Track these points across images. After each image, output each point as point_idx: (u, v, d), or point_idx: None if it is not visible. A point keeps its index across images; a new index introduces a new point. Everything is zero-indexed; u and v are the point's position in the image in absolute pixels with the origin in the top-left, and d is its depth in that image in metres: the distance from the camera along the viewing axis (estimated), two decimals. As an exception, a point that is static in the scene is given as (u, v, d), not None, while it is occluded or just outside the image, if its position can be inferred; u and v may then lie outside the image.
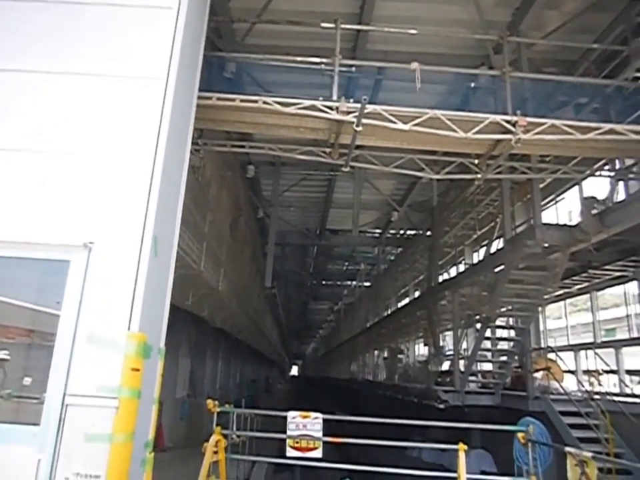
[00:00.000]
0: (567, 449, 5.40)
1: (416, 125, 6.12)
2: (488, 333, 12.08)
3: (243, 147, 8.06)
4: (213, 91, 6.19)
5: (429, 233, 15.41)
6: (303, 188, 15.08)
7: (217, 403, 6.48)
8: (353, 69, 6.98)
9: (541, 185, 10.59)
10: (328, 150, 7.25)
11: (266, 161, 13.44)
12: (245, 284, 15.30)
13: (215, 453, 6.19)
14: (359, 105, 5.94)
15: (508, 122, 6.26)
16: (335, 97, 6.26)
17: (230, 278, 11.87)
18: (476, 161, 7.50)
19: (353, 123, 6.06)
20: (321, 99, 6.24)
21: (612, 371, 11.90)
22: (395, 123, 6.10)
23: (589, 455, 5.01)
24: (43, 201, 3.79)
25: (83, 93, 4.08)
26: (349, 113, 6.08)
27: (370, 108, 6.05)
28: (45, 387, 3.45)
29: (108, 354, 3.46)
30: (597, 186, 10.72)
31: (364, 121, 6.07)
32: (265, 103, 6.10)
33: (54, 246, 3.70)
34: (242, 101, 6.13)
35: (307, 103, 6.12)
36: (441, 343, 15.46)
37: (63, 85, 4.08)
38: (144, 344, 3.58)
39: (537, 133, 6.30)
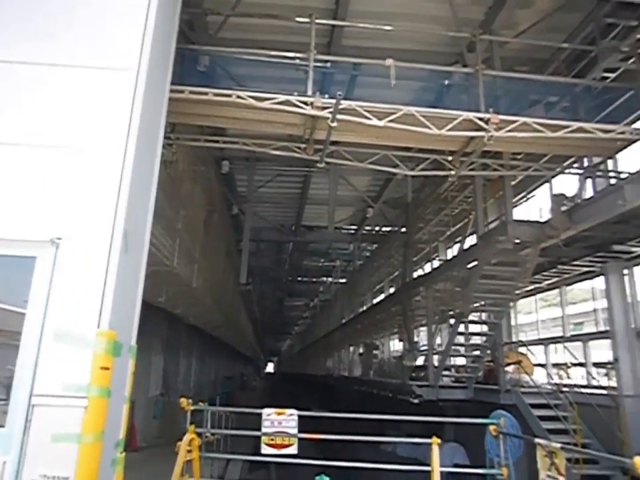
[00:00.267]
0: (537, 440, 5.51)
1: (390, 121, 6.14)
2: (461, 328, 12.26)
3: (216, 141, 7.95)
4: (185, 84, 6.08)
5: (403, 229, 15.54)
6: (278, 184, 15.02)
7: (190, 401, 6.40)
8: (328, 64, 6.96)
9: (513, 182, 10.79)
10: (303, 145, 7.22)
11: (240, 157, 13.33)
12: (220, 280, 15.16)
13: (189, 451, 6.12)
14: (333, 101, 5.94)
15: (481, 119, 6.34)
16: (309, 92, 6.23)
17: (204, 274, 11.74)
18: (449, 158, 7.58)
19: (328, 118, 6.05)
20: (295, 94, 6.21)
21: (580, 364, 12.23)
22: (369, 119, 6.12)
23: (558, 445, 5.12)
24: (8, 195, 3.66)
25: (48, 83, 3.95)
26: (323, 108, 6.07)
27: (345, 104, 6.05)
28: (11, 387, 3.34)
29: (76, 352, 3.36)
30: (567, 183, 11.00)
31: (339, 116, 6.07)
32: (238, 97, 6.03)
33: (19, 242, 3.57)
34: (215, 95, 6.05)
35: (282, 98, 6.08)
36: (416, 339, 15.62)
37: (27, 76, 3.94)
38: (114, 342, 3.50)
39: (509, 131, 6.41)
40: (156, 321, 13.17)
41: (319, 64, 6.66)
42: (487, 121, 6.31)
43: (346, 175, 13.97)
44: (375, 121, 6.10)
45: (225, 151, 12.63)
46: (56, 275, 3.51)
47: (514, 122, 6.43)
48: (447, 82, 7.53)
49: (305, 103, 6.10)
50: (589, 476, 8.51)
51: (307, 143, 7.09)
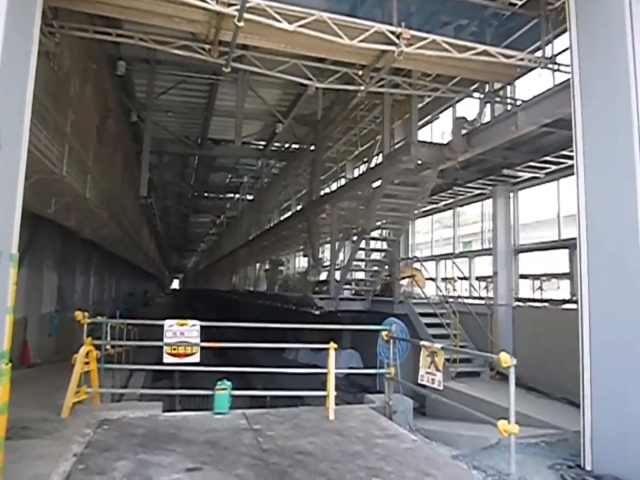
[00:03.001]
0: (422, 342, 6.12)
1: (301, 26, 5.81)
2: (362, 245, 12.85)
3: (108, 34, 7.05)
4: (67, -41, 5.22)
5: (312, 147, 15.45)
6: (182, 92, 14.02)
7: (87, 314, 6.19)
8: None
9: (419, 105, 11.01)
10: (207, 47, 6.66)
11: (139, 58, 12.12)
12: (117, 193, 14.24)
13: (87, 364, 6.01)
14: (241, -3, 5.45)
15: (392, 33, 6.22)
16: (215, -15, 5.66)
17: (99, 186, 10.92)
18: (360, 73, 7.46)
19: (235, 17, 5.58)
20: (199, -15, 5.60)
21: (464, 278, 13.50)
22: (279, 21, 5.74)
23: (439, 346, 5.74)
24: None
25: None
26: (229, 5, 5.57)
27: (253, 2, 5.59)
28: None
29: (-57, 260, 3.03)
30: (469, 109, 11.43)
31: (247, 16, 5.61)
32: (132, -19, 5.32)
33: None
34: (104, -24, 5.28)
35: (183, -13, 5.46)
36: (320, 255, 16.16)
37: None
38: (-11, 249, 3.19)
39: (419, 48, 6.38)
40: (48, 236, 12.20)
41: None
42: (398, 36, 6.20)
43: (255, 87, 13.34)
44: (284, 24, 5.73)
45: (121, 49, 11.38)
46: None
47: (424, 39, 6.38)
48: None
49: (210, -3, 5.55)
50: (463, 372, 9.74)
51: (212, 44, 6.55)
